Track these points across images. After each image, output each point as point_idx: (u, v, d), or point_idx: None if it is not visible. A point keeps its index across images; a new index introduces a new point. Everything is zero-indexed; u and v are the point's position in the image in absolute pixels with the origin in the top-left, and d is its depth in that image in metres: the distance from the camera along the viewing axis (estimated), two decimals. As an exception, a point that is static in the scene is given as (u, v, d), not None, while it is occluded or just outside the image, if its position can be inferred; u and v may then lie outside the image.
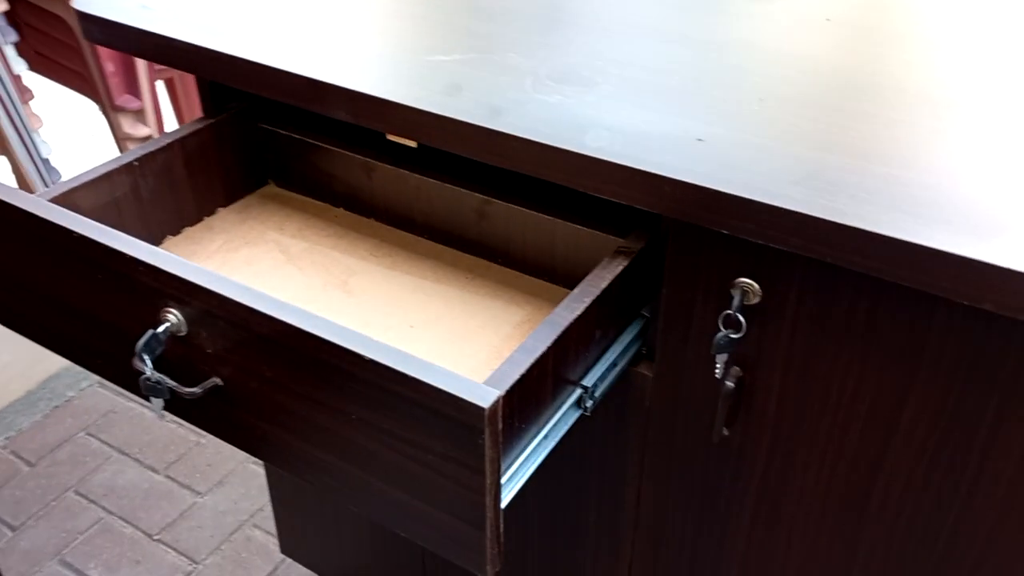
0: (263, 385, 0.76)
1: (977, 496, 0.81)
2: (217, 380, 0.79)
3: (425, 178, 1.04)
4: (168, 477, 1.98)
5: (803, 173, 0.77)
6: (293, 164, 1.14)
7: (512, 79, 0.93)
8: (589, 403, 0.85)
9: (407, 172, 1.05)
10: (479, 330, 0.95)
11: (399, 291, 1.00)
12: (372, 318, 0.96)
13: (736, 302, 0.82)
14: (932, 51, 1.01)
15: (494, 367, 0.84)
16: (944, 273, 0.68)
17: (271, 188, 1.17)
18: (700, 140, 0.82)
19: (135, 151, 1.01)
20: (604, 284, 0.83)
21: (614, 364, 0.89)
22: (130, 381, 0.86)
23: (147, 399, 0.82)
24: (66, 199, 0.93)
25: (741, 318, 0.82)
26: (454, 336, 0.94)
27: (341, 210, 1.14)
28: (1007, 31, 1.06)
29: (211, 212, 1.11)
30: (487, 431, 0.63)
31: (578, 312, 0.79)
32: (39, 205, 0.84)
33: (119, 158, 0.99)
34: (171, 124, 2.55)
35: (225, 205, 1.13)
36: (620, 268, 0.84)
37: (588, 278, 0.83)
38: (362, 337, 0.69)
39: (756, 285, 0.81)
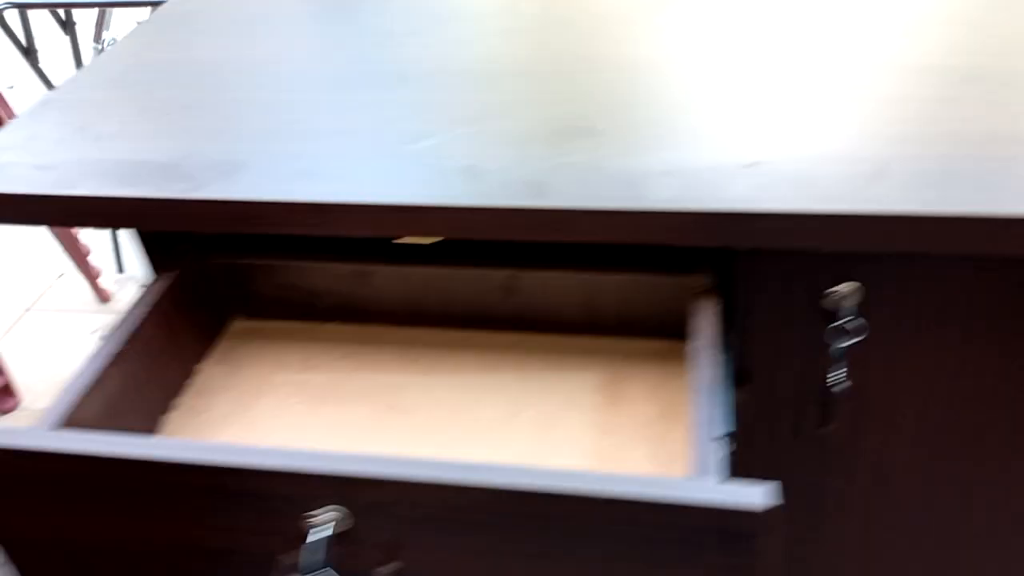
0: (456, 557, 0.68)
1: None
2: (399, 564, 0.70)
3: (435, 269, 0.97)
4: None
5: (871, 172, 0.79)
6: (261, 292, 1.02)
7: (518, 148, 0.88)
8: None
9: (413, 268, 0.97)
10: (568, 411, 0.90)
11: (451, 395, 0.94)
12: (449, 435, 0.89)
13: (839, 310, 0.83)
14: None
15: (644, 449, 0.81)
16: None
17: (239, 324, 1.05)
18: (751, 165, 0.82)
19: (113, 338, 0.86)
20: (712, 330, 0.81)
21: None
22: None
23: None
24: (76, 420, 0.79)
25: (846, 324, 0.84)
26: (549, 426, 0.89)
27: (334, 324, 1.04)
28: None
29: (191, 373, 0.98)
30: (765, 535, 0.61)
31: (711, 367, 0.77)
32: (87, 441, 0.70)
33: (99, 354, 0.84)
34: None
35: (199, 361, 1.00)
36: (716, 310, 0.83)
37: (694, 329, 0.81)
38: (576, 474, 0.64)
39: (854, 286, 0.83)
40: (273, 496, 0.68)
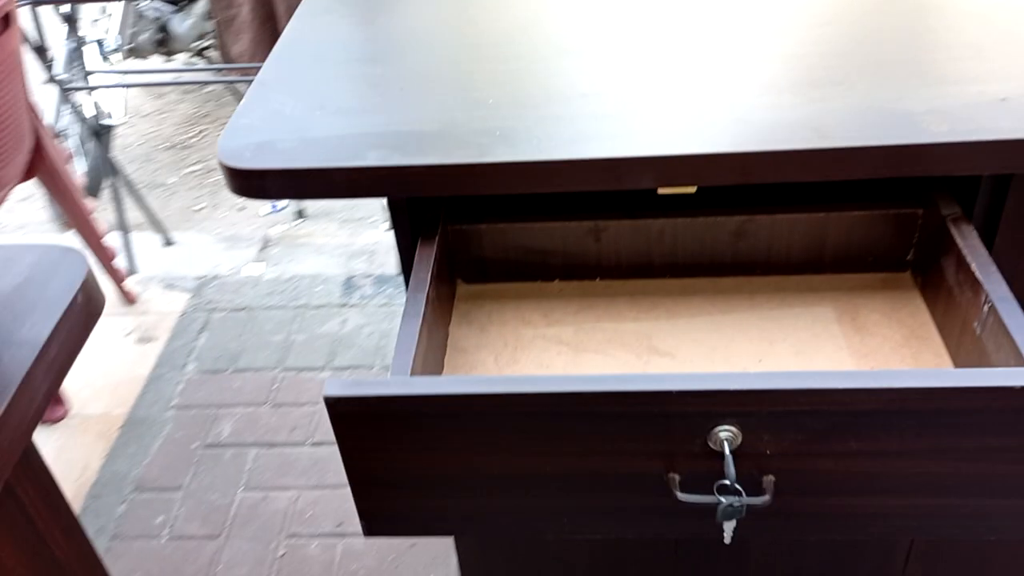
0: (837, 462, 0.75)
1: None
2: (772, 477, 0.76)
3: (670, 220, 1.03)
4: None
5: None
6: (489, 255, 1.06)
7: (774, 96, 0.94)
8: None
9: (648, 221, 1.03)
10: (819, 341, 0.98)
11: (704, 336, 1.00)
12: (720, 368, 0.96)
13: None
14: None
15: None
16: None
17: (464, 288, 1.09)
18: (1003, 100, 0.91)
19: (413, 300, 0.89)
20: (982, 248, 0.90)
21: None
22: (642, 527, 0.80)
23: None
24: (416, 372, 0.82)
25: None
26: (808, 354, 0.97)
27: (557, 282, 1.08)
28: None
29: (445, 335, 1.01)
30: None
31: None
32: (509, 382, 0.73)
33: (412, 314, 0.87)
34: None
35: (448, 324, 1.03)
36: (975, 231, 0.92)
37: (966, 249, 0.90)
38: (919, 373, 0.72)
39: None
40: (671, 415, 0.73)
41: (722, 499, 0.74)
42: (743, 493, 0.74)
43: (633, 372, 0.96)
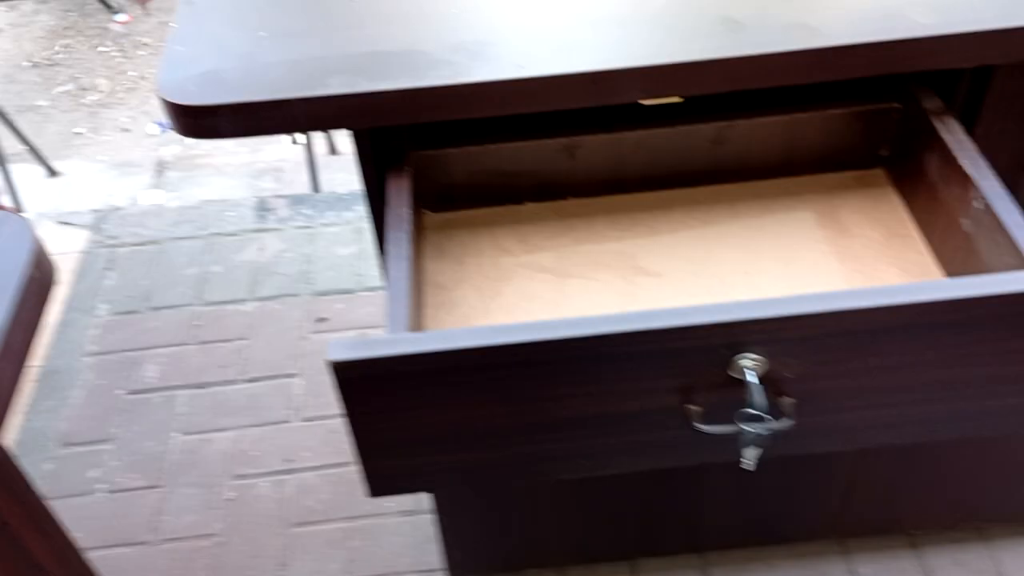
0: (855, 379, 0.74)
1: None
2: (791, 400, 0.74)
3: (647, 131, 0.98)
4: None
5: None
6: (456, 181, 1.00)
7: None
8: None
9: (623, 135, 0.98)
10: (804, 246, 0.96)
11: (688, 251, 0.97)
12: (709, 285, 0.93)
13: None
14: None
15: (893, 268, 0.88)
16: None
17: (431, 217, 1.02)
18: (986, -12, 0.88)
19: (396, 241, 0.83)
20: (969, 142, 0.89)
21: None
22: (660, 459, 0.78)
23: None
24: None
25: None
26: (794, 261, 0.95)
27: (528, 204, 1.03)
28: None
29: (420, 271, 0.95)
30: None
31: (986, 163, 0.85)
32: (504, 332, 0.68)
33: (397, 259, 0.81)
34: None
35: (421, 259, 0.97)
36: (960, 125, 0.90)
37: (953, 143, 0.88)
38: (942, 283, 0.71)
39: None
40: (693, 349, 0.70)
41: (745, 427, 0.72)
42: (769, 419, 0.72)
43: (623, 295, 0.92)
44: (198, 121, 0.80)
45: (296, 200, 2.25)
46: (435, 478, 0.78)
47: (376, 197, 0.93)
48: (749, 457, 0.76)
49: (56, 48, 3.27)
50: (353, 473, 1.69)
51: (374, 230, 0.99)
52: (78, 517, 1.62)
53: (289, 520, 1.62)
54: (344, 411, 0.70)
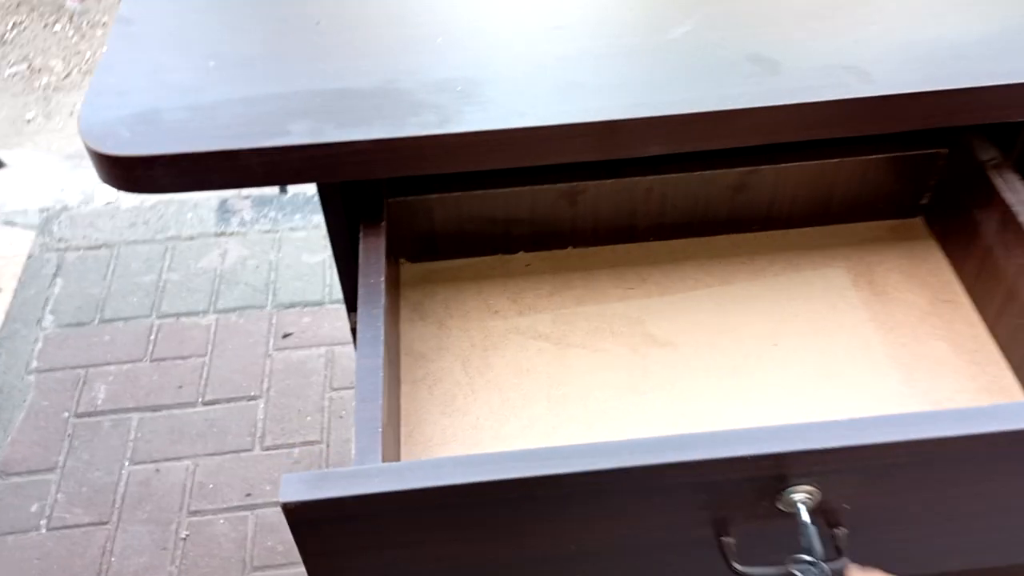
0: (919, 505, 0.62)
1: None
2: (844, 530, 0.62)
3: (659, 178, 0.85)
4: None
5: None
6: (440, 229, 0.86)
7: (782, 29, 0.77)
8: None
9: (633, 180, 0.85)
10: (836, 312, 0.84)
11: (708, 316, 0.85)
12: (730, 359, 0.81)
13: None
14: None
15: (943, 343, 0.77)
16: None
17: (408, 269, 0.89)
18: None
19: (371, 324, 0.69)
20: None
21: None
22: None
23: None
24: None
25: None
26: (826, 334, 0.83)
27: (522, 254, 0.90)
28: None
29: (397, 336, 0.82)
30: None
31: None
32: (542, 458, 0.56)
33: (371, 340, 0.68)
34: None
35: (397, 323, 0.84)
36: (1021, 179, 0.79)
37: (1017, 203, 0.76)
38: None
39: None
40: (737, 481, 0.58)
41: (797, 572, 0.60)
42: (823, 565, 0.59)
43: (632, 369, 0.80)
44: (132, 174, 0.66)
45: (261, 201, 2.10)
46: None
47: (345, 252, 0.79)
48: None
49: (6, 25, 3.07)
50: (319, 509, 1.56)
51: (342, 284, 0.86)
52: (16, 559, 1.49)
53: (249, 563, 1.49)
54: (302, 557, 0.57)
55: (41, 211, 2.11)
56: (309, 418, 1.68)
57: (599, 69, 0.73)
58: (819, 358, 0.80)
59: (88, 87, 0.70)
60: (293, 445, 1.64)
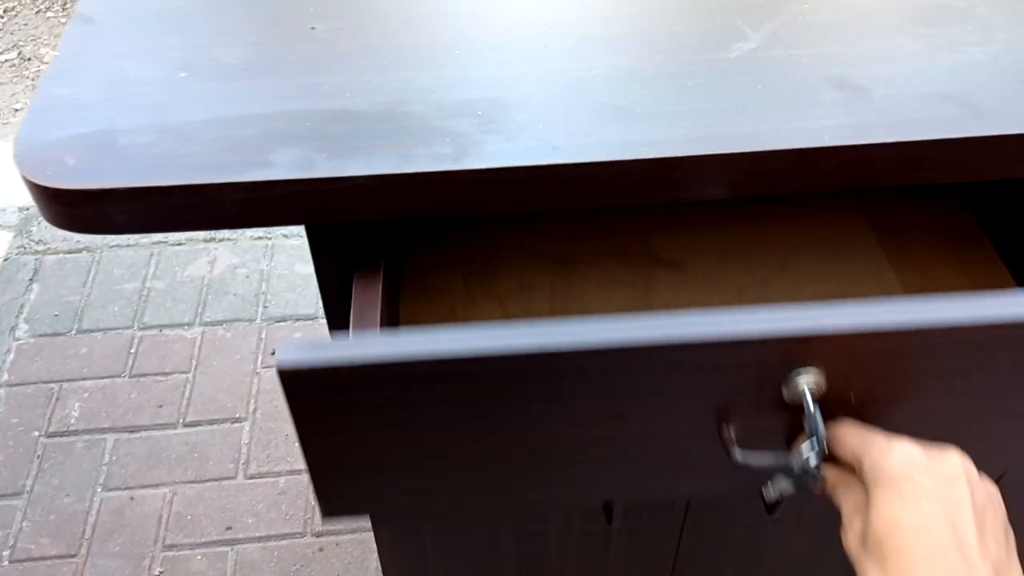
0: (929, 402, 0.52)
1: None
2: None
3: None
4: None
5: None
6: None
7: (856, 44, 0.65)
8: None
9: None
10: (849, 234, 0.74)
11: (715, 235, 0.78)
12: (735, 282, 0.74)
13: None
14: None
15: None
16: None
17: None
18: None
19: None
20: None
21: None
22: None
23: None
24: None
25: None
26: (842, 259, 0.73)
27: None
28: None
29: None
30: None
31: None
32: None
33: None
34: None
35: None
36: None
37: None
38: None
39: None
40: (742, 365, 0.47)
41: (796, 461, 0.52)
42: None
43: (637, 289, 0.69)
44: (78, 211, 0.54)
45: (254, 206, 1.97)
46: (402, 503, 0.54)
47: (337, 304, 0.67)
48: (778, 491, 0.54)
49: (-4, 9, 2.95)
50: (304, 546, 1.44)
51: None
52: (-26, 596, 1.37)
53: (228, 606, 1.37)
54: (294, 425, 0.48)
55: (20, 210, 1.98)
56: (297, 444, 1.56)
57: (648, 92, 0.61)
58: (828, 281, 0.71)
59: (31, 101, 0.58)
60: (279, 474, 1.52)
